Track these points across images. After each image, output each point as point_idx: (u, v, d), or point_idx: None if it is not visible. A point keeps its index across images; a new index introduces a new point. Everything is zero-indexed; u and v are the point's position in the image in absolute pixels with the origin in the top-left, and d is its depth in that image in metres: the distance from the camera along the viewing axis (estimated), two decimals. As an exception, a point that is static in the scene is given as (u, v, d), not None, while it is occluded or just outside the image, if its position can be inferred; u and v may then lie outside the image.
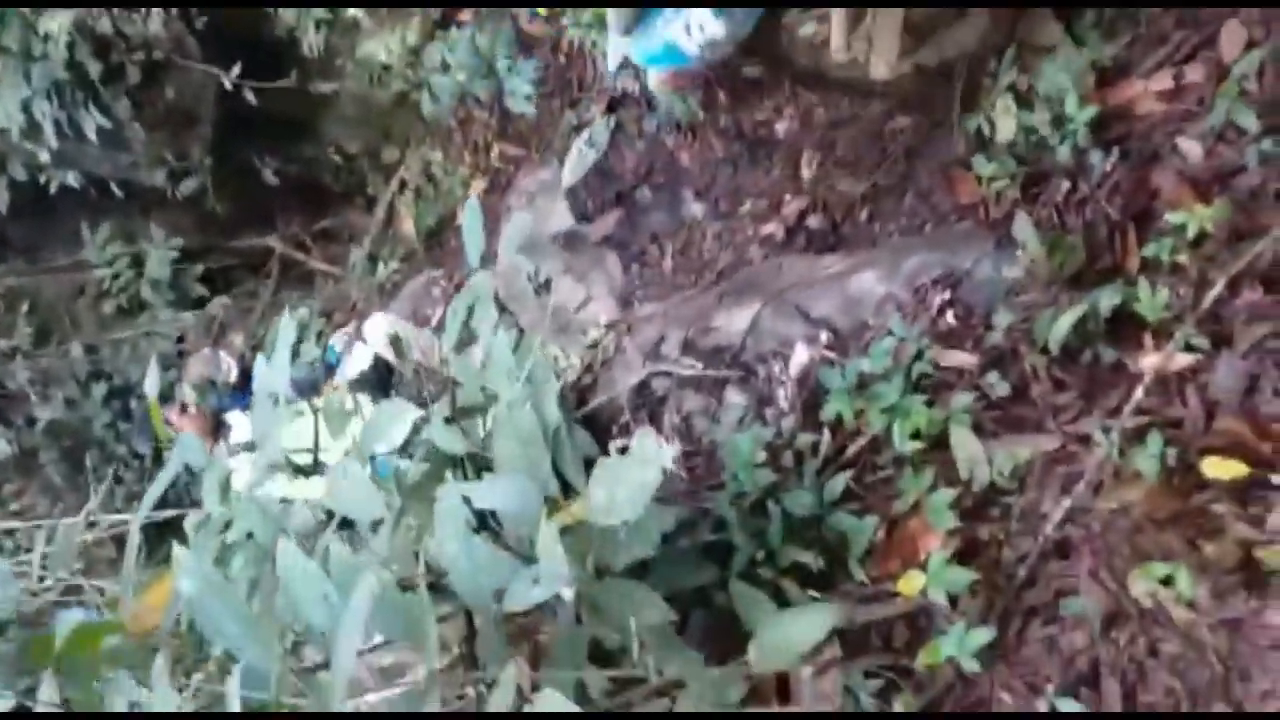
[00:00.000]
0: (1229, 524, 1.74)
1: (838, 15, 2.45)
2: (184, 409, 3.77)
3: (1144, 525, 1.79)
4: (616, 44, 2.50)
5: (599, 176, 4.04)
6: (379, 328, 4.10)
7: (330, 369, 4.06)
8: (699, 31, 2.25)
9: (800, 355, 2.50)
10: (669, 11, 2.29)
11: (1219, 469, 1.75)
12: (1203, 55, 2.14)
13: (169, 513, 2.39)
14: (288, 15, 4.52)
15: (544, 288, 3.98)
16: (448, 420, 1.92)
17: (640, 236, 3.88)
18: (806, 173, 3.28)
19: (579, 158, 2.57)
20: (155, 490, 2.05)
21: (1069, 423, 2.03)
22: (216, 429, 3.89)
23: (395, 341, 4.08)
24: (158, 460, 4.83)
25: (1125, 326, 2.03)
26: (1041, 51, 2.41)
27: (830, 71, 2.80)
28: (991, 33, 2.55)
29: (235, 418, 3.92)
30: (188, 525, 2.19)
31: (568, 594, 1.47)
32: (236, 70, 4.27)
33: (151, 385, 2.19)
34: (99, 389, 5.04)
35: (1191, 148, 2.09)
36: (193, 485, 3.48)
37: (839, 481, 2.16)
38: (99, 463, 4.87)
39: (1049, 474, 2.01)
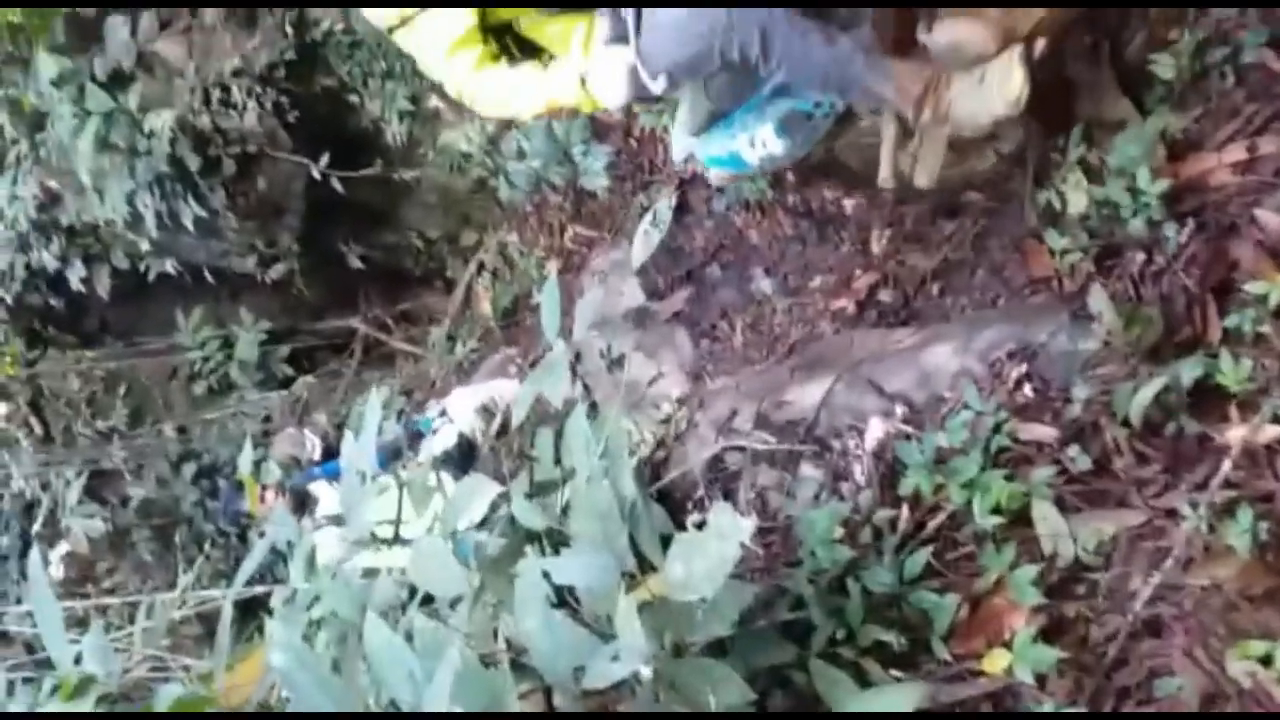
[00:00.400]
0: (1329, 602, 1.68)
1: (886, 142, 2.55)
2: (265, 491, 3.89)
3: (1238, 602, 1.74)
4: (683, 141, 2.68)
5: (669, 255, 4.13)
6: (463, 405, 4.20)
7: (418, 437, 4.15)
8: (762, 147, 2.43)
9: (875, 429, 2.50)
10: (736, 124, 2.47)
11: (1316, 545, 1.69)
12: (1275, 127, 2.14)
13: (256, 589, 2.46)
14: (373, 106, 4.76)
15: (616, 364, 4.05)
16: (527, 496, 1.96)
17: (710, 313, 3.93)
18: (876, 248, 3.30)
19: (644, 239, 2.65)
20: (249, 567, 2.12)
21: (1154, 497, 1.98)
22: (301, 504, 3.99)
23: (485, 411, 4.18)
24: (241, 539, 4.97)
25: (1208, 399, 1.99)
26: (1111, 127, 2.42)
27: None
28: (1033, 138, 2.62)
29: (321, 489, 4.02)
30: (275, 601, 2.25)
31: (646, 671, 1.48)
32: (324, 160, 4.50)
33: (245, 462, 2.29)
34: (188, 468, 5.23)
35: (1270, 219, 2.07)
36: (275, 562, 3.57)
37: (919, 558, 2.13)
38: (187, 540, 5.03)
39: (1136, 550, 1.96)
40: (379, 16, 2.36)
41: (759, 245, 3.86)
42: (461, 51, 2.31)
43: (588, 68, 2.30)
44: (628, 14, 2.21)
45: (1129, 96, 2.45)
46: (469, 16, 2.28)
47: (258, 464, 4.60)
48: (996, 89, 2.17)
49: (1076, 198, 2.44)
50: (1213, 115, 2.27)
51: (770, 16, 2.15)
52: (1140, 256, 2.26)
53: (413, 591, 1.91)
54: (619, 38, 2.25)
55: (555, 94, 2.35)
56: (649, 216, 3.43)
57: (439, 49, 2.32)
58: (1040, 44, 2.18)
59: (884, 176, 2.60)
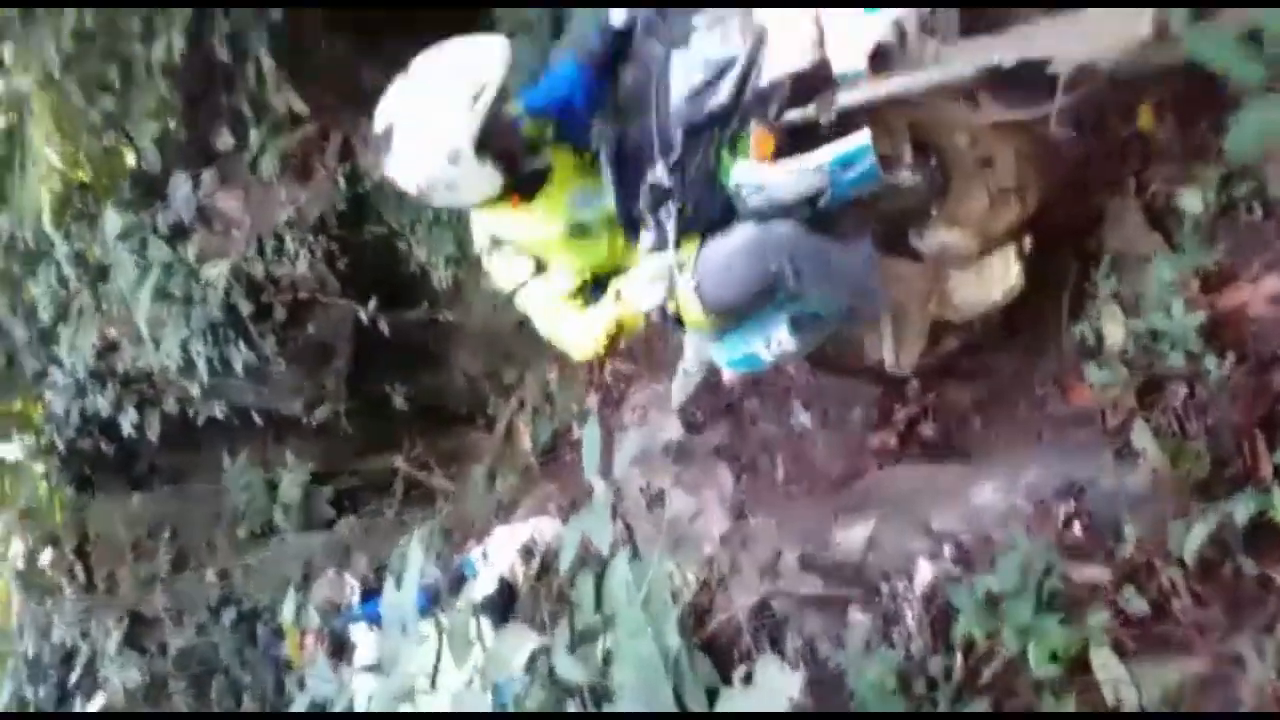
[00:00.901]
0: None
1: (887, 336, 2.77)
2: (304, 637, 3.87)
3: (1317, 758, 1.64)
4: (698, 347, 2.83)
5: (708, 388, 4.14)
6: (503, 545, 4.18)
7: (460, 580, 4.12)
8: (777, 345, 2.61)
9: (924, 572, 2.44)
10: (751, 329, 2.63)
11: (1395, 694, 1.61)
12: (1311, 259, 2.14)
13: None
14: (420, 251, 4.93)
15: (657, 500, 4.02)
16: (569, 647, 1.94)
17: (750, 447, 3.92)
18: (912, 384, 3.29)
19: (683, 381, 2.74)
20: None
21: (1218, 642, 1.91)
22: (340, 649, 3.95)
23: (525, 552, 4.15)
24: (279, 689, 4.90)
25: (1265, 537, 1.93)
26: (1141, 260, 2.44)
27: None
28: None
29: (360, 634, 3.98)
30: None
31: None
32: (373, 304, 4.65)
33: (288, 611, 2.29)
34: (228, 614, 5.23)
35: (1313, 350, 2.06)
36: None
37: (976, 709, 2.05)
38: (223, 691, 4.97)
39: (1203, 699, 1.87)
40: (504, 280, 2.61)
41: (796, 378, 3.87)
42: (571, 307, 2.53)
43: (624, 279, 2.47)
44: (667, 222, 2.41)
45: (1157, 230, 2.47)
46: (573, 275, 2.52)
47: (297, 610, 4.59)
48: (996, 281, 2.52)
49: (1113, 331, 2.44)
50: (1243, 248, 2.28)
51: (795, 243, 2.36)
52: (1182, 390, 2.24)
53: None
54: (658, 246, 2.44)
55: (602, 323, 2.50)
56: (684, 360, 3.50)
57: (552, 311, 2.55)
58: (1028, 241, 2.51)
59: (890, 364, 2.81)
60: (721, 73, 2.34)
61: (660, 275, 2.37)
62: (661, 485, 4.05)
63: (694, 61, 2.39)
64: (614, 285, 2.48)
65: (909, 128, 2.50)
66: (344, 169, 4.65)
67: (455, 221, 4.68)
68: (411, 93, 2.42)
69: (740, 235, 2.42)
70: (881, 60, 2.20)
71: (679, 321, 2.63)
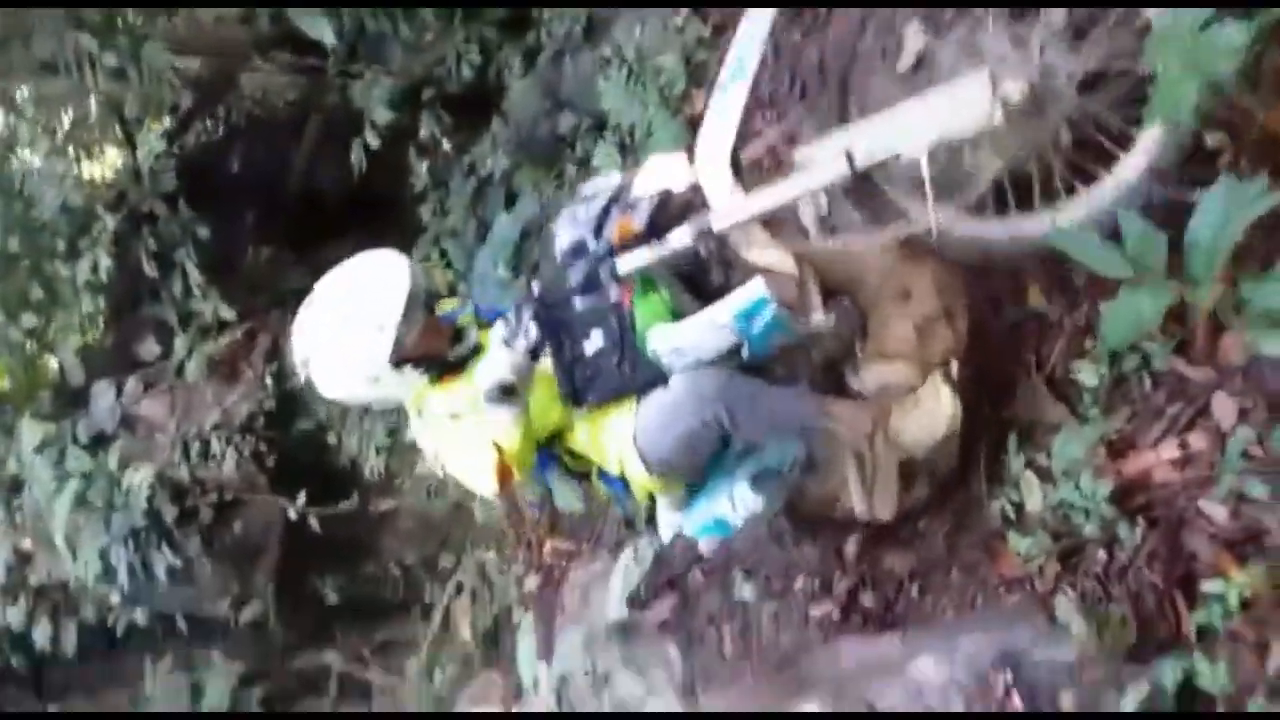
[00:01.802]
0: None
1: (853, 481, 2.78)
2: None
3: None
4: (669, 520, 2.86)
5: (651, 564, 4.13)
6: None
7: None
8: (742, 506, 2.62)
9: (873, 753, 2.43)
10: (713, 491, 2.67)
11: None
12: (1201, 424, 2.28)
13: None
14: (350, 443, 4.92)
15: (602, 685, 3.92)
16: None
17: (697, 621, 3.88)
18: (850, 550, 3.35)
19: (625, 574, 2.74)
20: None
21: (1165, 812, 1.92)
22: None
23: None
24: None
25: (1197, 698, 1.98)
26: (1049, 429, 2.57)
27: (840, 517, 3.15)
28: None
29: None
30: None
31: None
32: (301, 499, 4.58)
33: None
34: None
35: (1215, 511, 2.16)
36: None
37: None
38: None
39: None
40: (426, 442, 2.62)
41: (738, 549, 3.89)
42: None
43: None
44: (526, 319, 2.44)
45: (1061, 401, 2.62)
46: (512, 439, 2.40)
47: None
48: (933, 412, 2.48)
49: (1031, 499, 2.54)
50: (1141, 416, 2.42)
51: (725, 390, 2.42)
52: (1102, 554, 2.32)
53: None
54: (509, 340, 2.45)
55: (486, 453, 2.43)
56: (628, 553, 3.52)
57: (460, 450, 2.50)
58: (955, 366, 2.54)
59: (860, 512, 2.80)
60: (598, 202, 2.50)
61: (503, 364, 2.35)
62: (607, 666, 3.97)
63: (577, 207, 2.55)
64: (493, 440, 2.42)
65: (819, 276, 2.61)
66: (272, 369, 4.67)
67: (385, 411, 4.70)
68: (320, 325, 2.50)
69: (673, 389, 2.48)
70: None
71: (625, 485, 2.65)
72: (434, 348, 2.56)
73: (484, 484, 2.43)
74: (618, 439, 2.57)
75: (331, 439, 4.87)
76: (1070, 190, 2.36)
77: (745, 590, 3.73)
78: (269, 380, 4.61)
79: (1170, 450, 2.31)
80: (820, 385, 2.69)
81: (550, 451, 2.66)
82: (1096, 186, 2.31)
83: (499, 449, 2.34)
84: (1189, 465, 2.28)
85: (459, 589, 5.26)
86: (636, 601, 4.19)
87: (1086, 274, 2.57)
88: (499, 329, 2.42)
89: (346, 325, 2.45)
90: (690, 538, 2.86)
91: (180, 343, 4.51)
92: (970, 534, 2.91)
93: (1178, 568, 2.20)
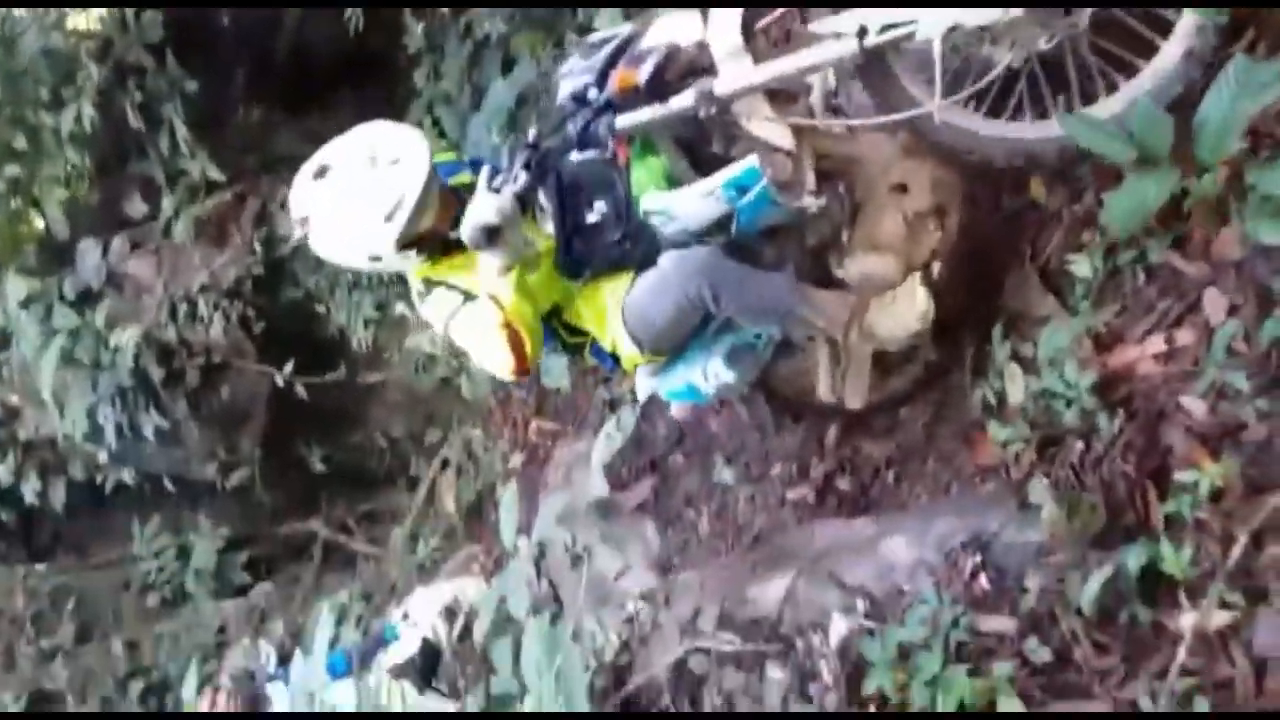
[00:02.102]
0: (1298, 794, 1.66)
1: (822, 364, 2.82)
2: (217, 695, 3.71)
3: (1208, 799, 1.71)
4: (646, 382, 2.86)
5: (633, 445, 4.17)
6: (425, 607, 4.10)
7: (382, 644, 4.02)
8: (714, 378, 2.65)
9: (838, 626, 2.48)
10: (689, 360, 2.69)
11: (1276, 734, 1.69)
12: (1190, 320, 2.26)
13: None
14: (339, 315, 4.90)
15: (581, 559, 4.01)
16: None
17: (675, 502, 3.95)
18: (830, 438, 3.38)
19: (607, 443, 2.76)
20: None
21: (1116, 687, 1.98)
22: (255, 708, 3.79)
23: (448, 613, 4.07)
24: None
25: (1158, 585, 2.01)
26: (1037, 321, 2.56)
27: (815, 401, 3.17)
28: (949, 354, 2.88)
29: (277, 692, 3.85)
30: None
31: None
32: (289, 368, 4.58)
33: (190, 689, 2.22)
34: (136, 686, 5.01)
35: (1195, 405, 2.17)
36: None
37: (889, 761, 2.09)
38: (130, 766, 4.76)
39: (1103, 744, 1.94)
40: (436, 316, 2.54)
41: (719, 434, 3.93)
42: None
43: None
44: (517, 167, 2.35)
45: (1052, 293, 2.60)
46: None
47: (210, 678, 4.44)
48: (907, 308, 2.50)
49: (1014, 389, 2.55)
50: (1130, 310, 2.40)
51: (711, 266, 2.43)
52: (1079, 445, 2.34)
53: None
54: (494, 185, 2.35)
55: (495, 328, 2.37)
56: (612, 421, 3.55)
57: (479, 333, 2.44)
58: (937, 267, 2.53)
59: (823, 391, 2.84)
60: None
61: (487, 207, 2.25)
62: (587, 543, 4.04)
63: (583, 55, 2.48)
64: (482, 291, 2.37)
65: (819, 159, 2.56)
66: (260, 234, 4.61)
67: (375, 284, 4.67)
68: (326, 196, 2.40)
69: (663, 263, 2.49)
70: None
71: (616, 362, 2.68)
72: (439, 227, 2.49)
73: (501, 363, 2.38)
74: (611, 315, 2.58)
75: (320, 309, 4.84)
76: (1111, 86, 2.28)
77: (724, 474, 3.78)
78: (258, 245, 4.56)
79: (1156, 344, 2.30)
80: (806, 273, 2.67)
81: (549, 325, 2.65)
82: (1135, 78, 2.23)
83: (502, 314, 2.29)
84: (1173, 360, 2.27)
85: (445, 464, 5.32)
86: (618, 482, 4.26)
87: (1092, 165, 2.53)
88: (485, 174, 2.32)
89: (355, 205, 2.37)
90: (664, 401, 2.89)
91: (168, 202, 4.44)
92: (950, 424, 2.93)
93: (1152, 460, 2.22)
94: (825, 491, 3.29)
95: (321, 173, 2.42)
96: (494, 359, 2.40)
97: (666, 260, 2.49)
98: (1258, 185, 1.70)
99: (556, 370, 4.39)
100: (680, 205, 2.40)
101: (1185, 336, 2.26)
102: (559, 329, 2.70)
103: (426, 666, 3.85)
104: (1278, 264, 2.04)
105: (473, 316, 2.42)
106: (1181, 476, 2.05)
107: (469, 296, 2.46)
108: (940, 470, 2.88)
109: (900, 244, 2.56)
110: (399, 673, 3.71)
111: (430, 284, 2.55)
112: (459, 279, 2.50)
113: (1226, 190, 1.82)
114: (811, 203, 2.52)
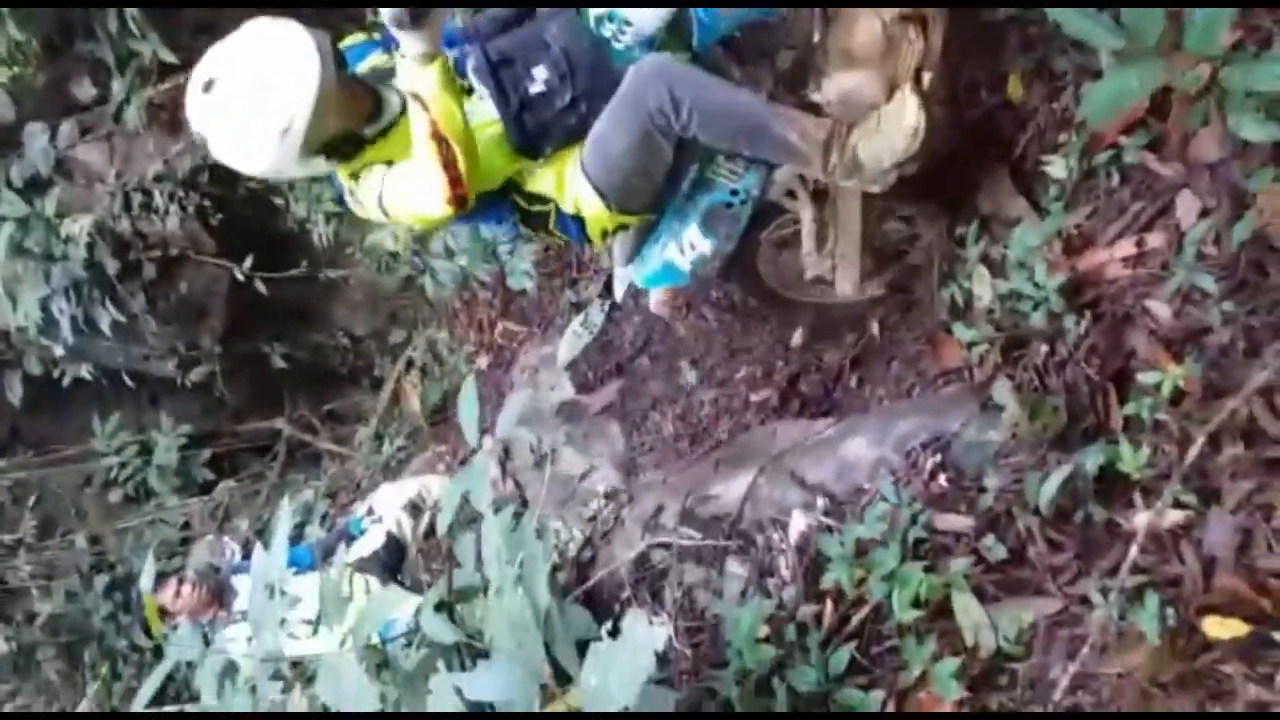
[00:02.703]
0: (1239, 686, 1.71)
1: (805, 223, 2.69)
2: (181, 586, 3.73)
3: (1152, 690, 1.75)
4: (621, 274, 2.77)
5: (599, 348, 4.15)
6: (390, 502, 4.12)
7: (348, 539, 4.05)
8: (690, 249, 2.51)
9: (798, 522, 2.50)
10: (664, 234, 2.56)
11: (1221, 629, 1.73)
12: (1161, 223, 2.24)
13: (168, 709, 2.35)
14: (299, 208, 4.77)
15: (546, 459, 4.02)
16: (439, 606, 1.92)
17: (641, 404, 3.95)
18: (795, 340, 3.36)
19: (573, 340, 2.70)
20: (148, 689, 2.04)
21: (1068, 584, 2.01)
22: (219, 597, 3.82)
23: (413, 508, 4.10)
24: (159, 654, 4.75)
25: (1114, 485, 2.04)
26: (1009, 223, 2.53)
27: (802, 294, 3.11)
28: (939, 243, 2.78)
29: (241, 583, 3.88)
30: (185, 721, 2.16)
31: (563, 787, 1.43)
32: (248, 263, 4.47)
33: (148, 579, 2.20)
34: (101, 580, 5.02)
35: (1160, 309, 2.16)
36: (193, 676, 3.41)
37: (843, 654, 2.12)
38: (98, 658, 4.80)
39: (1053, 638, 1.98)
40: (368, 198, 2.32)
41: (685, 338, 3.91)
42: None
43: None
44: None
45: (1024, 195, 2.56)
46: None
47: (175, 573, 4.46)
48: (895, 124, 2.23)
49: (981, 291, 2.53)
50: (1102, 212, 2.37)
51: (670, 71, 2.23)
52: (1044, 348, 2.33)
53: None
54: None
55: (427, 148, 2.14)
56: (579, 318, 3.49)
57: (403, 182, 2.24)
58: (927, 76, 2.27)
59: (807, 250, 2.69)
60: None
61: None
62: (552, 444, 4.05)
63: None
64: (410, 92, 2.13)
65: None
66: (217, 120, 4.43)
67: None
68: (217, 114, 2.18)
69: (620, 88, 2.28)
70: None
71: (582, 228, 2.49)
72: (351, 127, 2.28)
73: (435, 188, 2.12)
74: (571, 169, 2.39)
75: (279, 202, 4.71)
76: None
77: (690, 376, 3.78)
78: (213, 133, 4.39)
79: (1126, 247, 2.28)
80: (780, 99, 2.49)
81: (508, 200, 2.53)
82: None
83: (429, 119, 2.06)
84: (1141, 263, 2.26)
85: (409, 364, 5.28)
86: (584, 385, 4.25)
87: (1072, 61, 2.47)
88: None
89: (246, 123, 2.15)
90: (643, 291, 2.78)
91: (118, 86, 4.25)
92: (915, 328, 2.92)
93: (1115, 363, 2.22)
94: (789, 394, 3.29)
95: (208, 86, 2.18)
96: (426, 186, 2.14)
97: (625, 78, 2.27)
98: (1243, 80, 1.65)
99: (520, 271, 4.32)
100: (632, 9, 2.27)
101: (1155, 240, 2.24)
102: (519, 201, 2.49)
103: (390, 561, 3.87)
104: (1253, 165, 2.01)
105: (400, 168, 2.22)
106: (1143, 379, 2.05)
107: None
108: (904, 372, 2.88)
109: (879, 56, 2.30)
110: (362, 566, 3.74)
111: (356, 177, 2.33)
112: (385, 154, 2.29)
113: (1209, 87, 1.77)
114: None
